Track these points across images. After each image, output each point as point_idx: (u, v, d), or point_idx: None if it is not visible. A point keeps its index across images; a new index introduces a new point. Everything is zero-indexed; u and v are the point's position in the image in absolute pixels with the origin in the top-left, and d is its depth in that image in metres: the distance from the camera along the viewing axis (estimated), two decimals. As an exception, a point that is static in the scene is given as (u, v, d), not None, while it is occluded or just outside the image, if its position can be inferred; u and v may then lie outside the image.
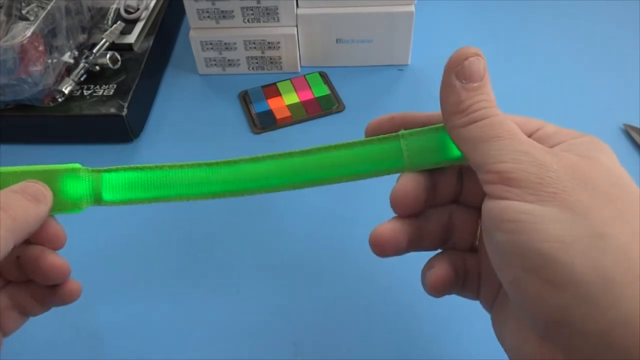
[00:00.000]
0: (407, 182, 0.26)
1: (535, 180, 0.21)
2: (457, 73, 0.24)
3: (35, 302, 0.27)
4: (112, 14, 0.52)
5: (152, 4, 0.54)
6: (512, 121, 0.24)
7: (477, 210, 0.25)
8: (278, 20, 0.49)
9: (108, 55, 0.48)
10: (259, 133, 0.47)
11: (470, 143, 0.23)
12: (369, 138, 0.26)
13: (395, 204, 0.26)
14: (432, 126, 0.26)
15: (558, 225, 0.20)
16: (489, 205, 0.22)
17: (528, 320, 0.22)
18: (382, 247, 0.26)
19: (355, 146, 0.26)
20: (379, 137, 0.26)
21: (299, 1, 0.49)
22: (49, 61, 0.45)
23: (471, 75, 0.24)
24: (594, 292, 0.19)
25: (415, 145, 0.26)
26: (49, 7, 0.45)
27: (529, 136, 0.24)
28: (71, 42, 0.47)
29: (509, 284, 0.21)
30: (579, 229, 0.20)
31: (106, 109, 0.45)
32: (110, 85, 0.47)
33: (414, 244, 0.26)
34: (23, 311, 0.27)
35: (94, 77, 0.48)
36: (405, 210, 0.26)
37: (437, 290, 0.27)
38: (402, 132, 0.26)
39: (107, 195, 0.26)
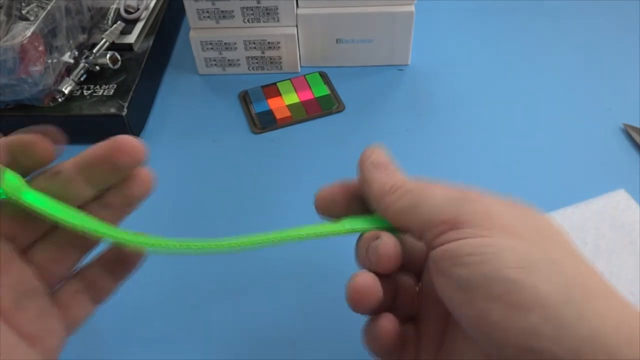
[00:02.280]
0: (367, 281, 0.26)
1: (483, 217, 0.22)
2: (372, 165, 0.27)
3: (107, 275, 0.27)
4: (112, 14, 0.52)
5: (152, 4, 0.54)
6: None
7: (417, 275, 0.29)
8: (278, 20, 0.49)
9: (108, 55, 0.48)
10: (259, 133, 0.47)
11: (407, 212, 0.25)
12: (317, 225, 0.28)
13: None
14: (370, 215, 0.28)
15: (515, 253, 0.21)
16: (442, 249, 0.23)
17: (495, 353, 0.21)
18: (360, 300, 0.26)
19: (307, 229, 0.28)
20: (325, 225, 0.28)
21: (299, 1, 0.49)
22: (49, 61, 0.45)
23: (385, 163, 0.27)
24: (559, 313, 0.19)
25: (356, 228, 0.28)
26: (49, 7, 0.45)
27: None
28: (71, 42, 0.47)
29: (475, 319, 0.21)
30: (535, 255, 0.21)
31: (106, 109, 0.45)
32: (110, 85, 0.47)
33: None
34: (95, 292, 0.27)
35: (94, 77, 0.48)
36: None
37: (386, 342, 0.26)
38: (344, 220, 0.28)
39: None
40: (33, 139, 0.24)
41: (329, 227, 0.28)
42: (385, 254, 0.26)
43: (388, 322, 0.26)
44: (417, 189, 0.25)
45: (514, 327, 0.20)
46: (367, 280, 0.25)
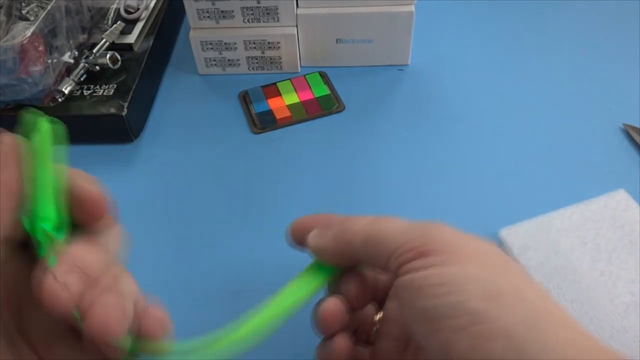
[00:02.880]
0: (334, 307, 0.27)
1: (450, 247, 0.22)
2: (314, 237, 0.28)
3: None
4: (112, 14, 0.52)
5: (152, 4, 0.54)
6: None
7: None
8: (278, 20, 0.49)
9: (108, 55, 0.48)
10: (259, 133, 0.47)
11: (372, 241, 0.25)
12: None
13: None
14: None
15: (481, 284, 0.21)
16: (408, 278, 0.23)
17: None
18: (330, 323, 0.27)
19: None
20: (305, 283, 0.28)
21: (299, 1, 0.49)
22: (49, 61, 0.45)
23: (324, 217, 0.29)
24: (523, 341, 0.20)
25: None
26: (49, 7, 0.45)
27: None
28: (71, 42, 0.47)
29: (440, 348, 0.21)
30: (500, 285, 0.21)
31: (106, 109, 0.45)
32: (110, 85, 0.47)
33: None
34: None
35: (94, 77, 0.48)
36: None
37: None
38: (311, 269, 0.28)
39: None
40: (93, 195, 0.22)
41: (308, 286, 0.28)
42: (325, 317, 0.27)
43: (342, 341, 0.27)
44: (377, 220, 0.25)
45: (478, 357, 0.20)
46: (335, 306, 0.27)
